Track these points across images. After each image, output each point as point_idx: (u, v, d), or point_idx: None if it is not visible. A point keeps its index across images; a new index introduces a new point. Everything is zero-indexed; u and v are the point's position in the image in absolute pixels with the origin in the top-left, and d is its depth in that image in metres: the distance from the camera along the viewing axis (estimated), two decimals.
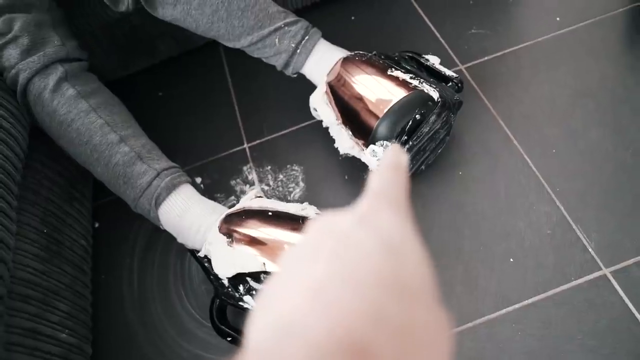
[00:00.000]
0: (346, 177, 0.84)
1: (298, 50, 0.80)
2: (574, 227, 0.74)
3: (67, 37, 0.78)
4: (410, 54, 0.84)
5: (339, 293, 0.19)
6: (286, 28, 0.79)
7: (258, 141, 0.92)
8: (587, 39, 0.93)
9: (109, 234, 0.88)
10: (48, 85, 0.72)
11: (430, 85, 0.76)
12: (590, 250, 0.72)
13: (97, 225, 0.89)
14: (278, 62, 0.81)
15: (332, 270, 0.20)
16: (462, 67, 0.93)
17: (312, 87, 0.83)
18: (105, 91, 0.79)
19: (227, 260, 0.66)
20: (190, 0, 0.76)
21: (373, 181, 0.27)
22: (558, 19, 0.96)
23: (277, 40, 0.79)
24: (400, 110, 0.75)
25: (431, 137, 0.77)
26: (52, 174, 0.80)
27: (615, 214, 0.74)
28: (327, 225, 0.23)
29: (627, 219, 0.73)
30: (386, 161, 0.30)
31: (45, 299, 0.66)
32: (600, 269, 0.70)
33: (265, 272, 0.62)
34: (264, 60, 0.83)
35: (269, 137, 0.92)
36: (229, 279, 0.67)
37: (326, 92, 0.80)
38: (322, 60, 0.81)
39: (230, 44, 0.82)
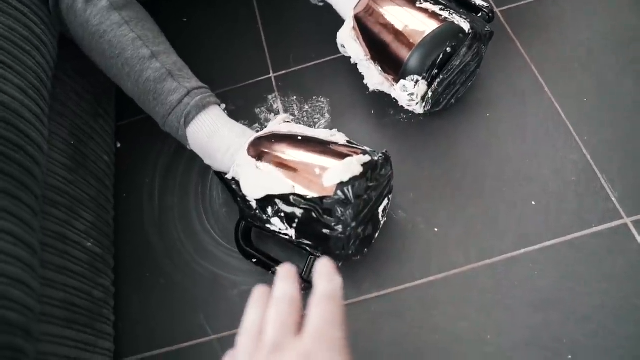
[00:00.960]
0: (372, 112, 0.83)
1: None
2: (599, 175, 0.73)
3: None
4: None
5: None
6: None
7: (284, 71, 0.90)
8: None
9: (131, 154, 0.88)
10: None
11: (460, 17, 0.74)
12: (613, 199, 0.72)
13: (119, 145, 0.89)
14: None
15: None
16: (497, 9, 0.91)
17: (339, 20, 0.81)
18: (137, 5, 0.77)
19: (257, 182, 0.67)
20: None
21: (312, 316, 0.32)
22: None
23: None
24: (431, 43, 0.73)
25: (462, 69, 0.75)
26: (79, 87, 0.79)
27: None
28: None
29: None
30: (320, 290, 0.34)
31: (72, 207, 0.67)
32: (621, 217, 0.70)
33: (295, 195, 0.63)
34: None
35: (295, 68, 0.90)
36: (257, 201, 0.67)
37: (354, 27, 0.78)
38: None
39: None
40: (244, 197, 0.69)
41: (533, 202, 0.72)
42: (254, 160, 0.68)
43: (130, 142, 0.89)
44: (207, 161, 0.75)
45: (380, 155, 0.64)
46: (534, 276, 0.67)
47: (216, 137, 0.72)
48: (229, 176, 0.71)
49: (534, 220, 0.71)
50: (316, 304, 0.33)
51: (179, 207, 0.81)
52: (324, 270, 0.36)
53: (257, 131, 0.74)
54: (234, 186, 0.71)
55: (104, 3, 0.72)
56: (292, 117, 0.84)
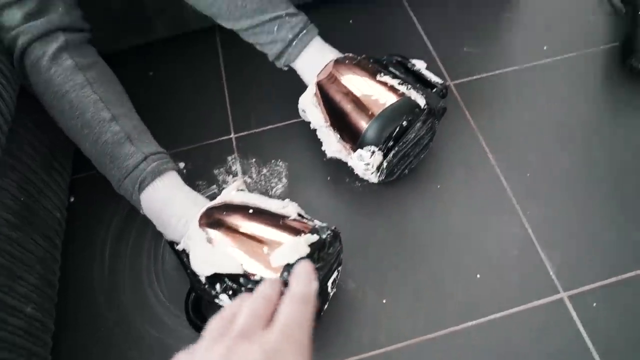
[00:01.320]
0: (329, 178, 0.86)
1: (294, 42, 0.80)
2: (539, 250, 0.77)
3: (73, 6, 0.76)
4: (398, 58, 0.86)
5: None
6: (287, 18, 0.79)
7: (245, 132, 0.92)
8: (569, 71, 0.97)
9: (84, 210, 0.86)
10: (47, 53, 0.71)
11: (417, 92, 0.79)
12: (551, 274, 0.75)
13: (72, 199, 0.87)
14: (272, 51, 0.81)
15: None
16: (451, 82, 0.96)
17: (303, 85, 0.84)
18: (103, 66, 0.78)
19: (206, 258, 0.66)
20: None
21: (282, 313, 0.32)
22: (545, 47, 1.00)
23: (275, 28, 0.79)
24: (388, 116, 0.76)
25: (416, 142, 0.79)
26: (35, 141, 0.78)
27: (578, 242, 0.78)
28: None
29: (589, 247, 0.77)
30: (296, 289, 0.34)
31: (13, 269, 0.65)
32: (558, 292, 0.74)
33: (244, 275, 0.63)
34: (258, 47, 0.82)
35: (256, 130, 0.92)
36: (207, 277, 0.67)
37: (316, 94, 0.81)
38: (315, 57, 0.82)
39: (228, 24, 0.81)
40: (193, 271, 0.69)
41: (478, 275, 0.75)
42: (204, 233, 0.67)
43: (85, 197, 0.88)
44: (159, 228, 0.74)
45: (329, 232, 0.65)
46: (476, 350, 0.69)
47: (169, 205, 0.72)
48: (180, 247, 0.71)
49: (477, 293, 0.74)
50: (288, 302, 0.33)
51: (130, 269, 0.80)
52: (303, 272, 0.36)
53: (213, 195, 0.75)
54: (184, 259, 0.70)
55: (69, 63, 0.72)
56: (249, 180, 0.86)
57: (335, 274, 0.70)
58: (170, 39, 1.03)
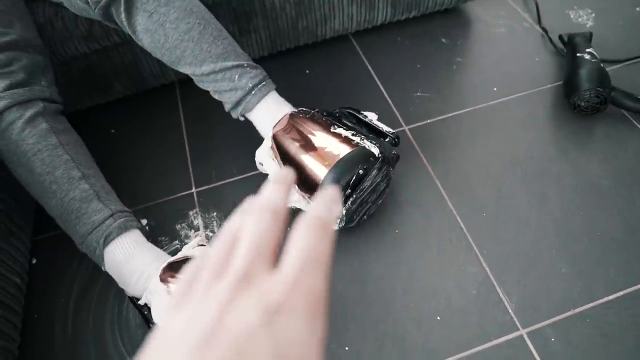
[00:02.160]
0: (289, 229, 0.87)
1: (253, 91, 0.83)
2: (497, 288, 0.79)
3: (51, 82, 0.82)
4: (350, 111, 0.89)
5: None
6: (248, 68, 0.82)
7: (206, 186, 0.94)
8: (518, 111, 1.01)
9: (47, 271, 0.86)
10: (24, 116, 0.75)
11: (370, 142, 0.82)
12: (510, 311, 0.77)
13: (34, 261, 0.87)
14: (230, 99, 0.83)
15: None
16: (405, 127, 1.00)
17: (261, 138, 0.86)
18: (74, 133, 0.82)
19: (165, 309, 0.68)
20: (168, 13, 0.77)
21: (295, 247, 0.24)
22: (495, 89, 1.05)
23: (237, 76, 0.82)
24: (345, 165, 0.79)
25: (373, 189, 0.82)
26: None
27: (534, 278, 0.80)
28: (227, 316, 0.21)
29: (544, 282, 0.79)
30: (314, 212, 0.26)
31: None
32: (518, 329, 0.75)
33: None
34: (216, 95, 0.84)
35: (217, 184, 0.94)
36: None
37: (272, 146, 0.84)
38: (271, 109, 0.85)
39: (189, 69, 0.82)
40: (154, 324, 0.69)
41: (438, 317, 0.77)
42: (165, 287, 0.69)
43: (48, 257, 0.88)
44: (121, 284, 0.75)
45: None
46: None
47: (132, 260, 0.73)
48: (141, 302, 0.71)
49: (439, 335, 0.75)
50: (305, 227, 0.24)
51: (94, 330, 0.79)
52: (328, 195, 0.27)
53: (175, 250, 0.76)
54: (146, 313, 0.71)
55: (44, 126, 0.76)
56: (211, 234, 0.87)
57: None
58: (131, 97, 1.05)
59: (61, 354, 0.77)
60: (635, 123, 0.98)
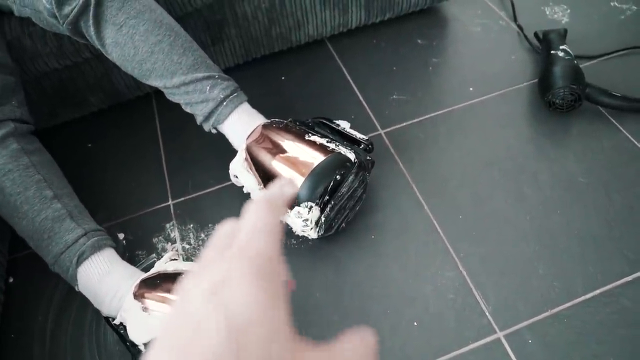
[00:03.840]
0: None
1: (224, 103, 0.82)
2: (474, 291, 0.79)
3: (22, 103, 0.81)
4: (323, 120, 0.89)
5: None
6: (219, 80, 0.82)
7: (182, 198, 0.94)
8: (495, 110, 1.01)
9: (24, 289, 0.86)
10: None
11: (345, 148, 0.81)
12: (487, 314, 0.77)
13: (11, 280, 0.87)
14: (202, 111, 0.82)
15: (164, 350, 0.19)
16: (381, 131, 0.99)
17: (235, 149, 0.86)
18: (46, 153, 0.81)
19: (143, 326, 0.68)
20: (137, 26, 0.76)
21: (245, 217, 0.24)
22: (471, 89, 1.05)
23: (208, 87, 0.81)
24: (321, 172, 0.79)
25: (350, 195, 0.82)
26: None
27: (512, 279, 0.80)
28: (183, 291, 0.22)
29: (522, 284, 0.79)
30: (267, 192, 0.27)
31: None
32: (495, 332, 0.75)
33: None
34: (188, 108, 0.83)
35: (193, 195, 0.94)
36: (145, 345, 0.68)
37: (246, 158, 0.83)
38: (243, 121, 0.84)
39: (160, 82, 0.81)
40: (132, 342, 0.69)
41: (415, 323, 0.77)
42: (140, 303, 0.69)
43: (24, 276, 0.87)
44: (95, 305, 0.75)
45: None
46: None
47: (106, 279, 0.73)
48: (116, 321, 0.71)
49: (417, 341, 0.75)
50: (254, 205, 0.25)
51: (72, 348, 0.79)
52: (281, 181, 0.29)
53: (151, 264, 0.76)
54: (121, 331, 0.71)
55: (15, 146, 0.76)
56: (188, 246, 0.87)
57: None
58: (107, 110, 1.05)
59: None
60: (611, 119, 0.98)
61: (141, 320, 0.68)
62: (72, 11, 0.74)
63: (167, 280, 0.71)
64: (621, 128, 0.96)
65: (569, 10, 1.20)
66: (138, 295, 0.70)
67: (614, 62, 1.08)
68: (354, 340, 0.23)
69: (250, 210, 0.25)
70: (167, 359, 0.19)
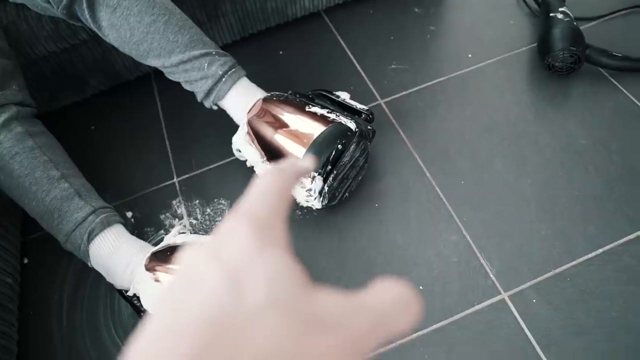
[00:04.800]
0: None
1: (224, 79, 0.82)
2: (478, 254, 0.81)
3: (22, 86, 0.82)
4: (322, 92, 0.89)
5: (167, 339, 0.17)
6: (216, 56, 0.82)
7: (187, 175, 0.95)
8: (494, 76, 1.01)
9: (38, 269, 0.88)
10: None
11: (346, 118, 0.82)
12: (491, 276, 0.79)
13: (26, 261, 0.89)
14: (202, 88, 0.83)
15: (166, 313, 0.19)
16: (381, 101, 1.00)
17: (237, 124, 0.87)
18: (50, 135, 0.82)
19: (155, 295, 0.69)
20: (131, 7, 0.76)
21: (245, 199, 0.23)
22: (470, 55, 1.04)
23: (206, 64, 0.81)
24: (323, 142, 0.80)
25: (352, 165, 0.83)
26: None
27: (514, 241, 0.81)
28: (184, 259, 0.21)
29: (524, 245, 0.81)
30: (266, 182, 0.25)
31: None
32: (499, 293, 0.77)
33: None
34: (187, 85, 0.84)
35: (197, 172, 0.95)
36: None
37: (248, 132, 0.84)
38: (242, 95, 0.85)
39: (158, 61, 0.81)
40: (146, 311, 0.71)
41: (420, 287, 0.78)
42: (151, 274, 0.71)
43: (39, 257, 0.89)
44: (108, 279, 0.77)
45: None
46: (425, 359, 0.72)
47: (117, 254, 0.75)
48: (130, 293, 0.73)
49: (422, 305, 0.77)
50: (263, 175, 0.25)
51: (88, 322, 0.81)
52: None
53: (160, 241, 0.78)
54: (135, 302, 0.73)
55: (19, 129, 0.77)
56: (194, 221, 0.88)
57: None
58: (108, 92, 1.05)
59: (59, 348, 0.80)
60: (612, 80, 0.97)
61: (154, 290, 0.70)
62: None
63: (176, 252, 0.73)
64: (622, 88, 0.96)
65: None
66: (149, 268, 0.72)
67: (615, 23, 1.07)
68: (390, 291, 0.21)
69: (261, 177, 0.25)
70: (167, 312, 0.18)
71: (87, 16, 0.77)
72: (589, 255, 0.79)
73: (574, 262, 0.78)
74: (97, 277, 0.84)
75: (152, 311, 0.19)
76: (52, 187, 0.76)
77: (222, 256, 0.20)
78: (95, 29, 0.79)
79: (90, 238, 0.76)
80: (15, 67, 0.83)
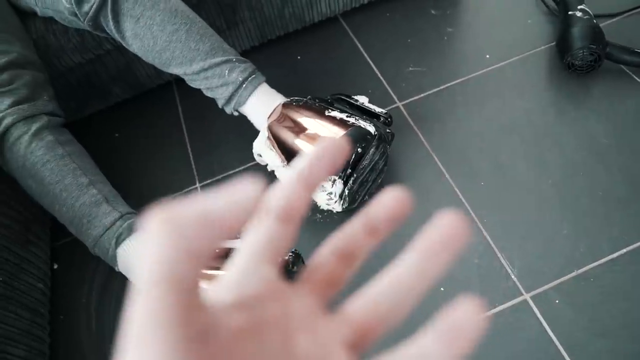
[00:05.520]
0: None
1: (244, 85, 0.84)
2: (499, 255, 0.80)
3: (52, 97, 0.85)
4: (341, 96, 0.90)
5: None
6: (236, 63, 0.84)
7: (209, 180, 0.97)
8: (513, 76, 1.01)
9: (68, 275, 0.91)
10: (30, 130, 0.78)
11: (365, 121, 0.83)
12: (513, 277, 0.78)
13: (55, 266, 0.92)
14: (223, 95, 0.85)
15: None
16: (399, 104, 1.00)
17: (258, 129, 0.89)
18: (77, 143, 0.85)
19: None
20: (154, 16, 0.79)
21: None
22: (488, 56, 1.04)
23: (227, 71, 0.83)
24: None
25: (372, 168, 0.83)
26: (4, 219, 0.83)
27: (536, 242, 0.81)
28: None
29: (546, 246, 0.80)
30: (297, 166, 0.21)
31: None
32: (521, 294, 0.77)
33: None
34: (209, 92, 0.86)
35: (219, 177, 0.97)
36: None
37: (268, 137, 0.86)
38: (263, 101, 0.86)
39: (180, 69, 0.83)
40: None
41: (442, 289, 0.79)
42: None
43: (68, 262, 0.92)
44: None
45: (290, 254, 0.70)
46: None
47: None
48: None
49: (443, 306, 0.77)
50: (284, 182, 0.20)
51: (116, 325, 0.84)
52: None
53: None
54: None
55: (50, 138, 0.80)
56: None
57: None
58: (131, 100, 1.08)
59: (88, 350, 0.82)
60: (635, 77, 0.96)
61: None
62: (91, 8, 0.78)
63: None
64: None
65: None
66: None
67: (636, 19, 1.05)
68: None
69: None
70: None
71: (112, 27, 0.80)
72: (613, 256, 0.78)
73: (597, 263, 0.78)
74: (124, 281, 0.86)
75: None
76: (81, 194, 0.79)
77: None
78: (119, 39, 0.82)
79: (117, 243, 0.78)
80: (45, 79, 0.86)
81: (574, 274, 0.77)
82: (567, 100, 0.96)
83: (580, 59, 0.93)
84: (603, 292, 0.75)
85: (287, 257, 0.69)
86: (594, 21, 0.96)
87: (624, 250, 0.78)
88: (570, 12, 0.98)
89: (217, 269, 0.71)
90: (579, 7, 0.99)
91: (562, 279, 0.77)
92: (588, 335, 0.72)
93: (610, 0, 1.07)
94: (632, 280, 0.75)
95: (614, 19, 1.05)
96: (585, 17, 0.96)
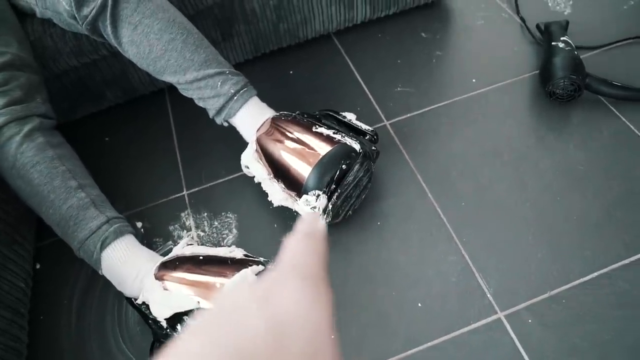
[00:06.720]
0: (276, 226, 0.91)
1: (235, 97, 0.86)
2: (476, 274, 0.83)
3: (45, 99, 0.86)
4: (329, 112, 0.93)
5: None
6: (229, 75, 0.86)
7: (196, 188, 0.98)
8: (497, 101, 1.04)
9: (50, 275, 0.91)
10: (22, 131, 0.79)
11: (351, 139, 0.85)
12: (488, 296, 0.81)
13: (38, 266, 0.92)
14: (214, 105, 0.87)
15: (209, 345, 0.19)
16: (386, 122, 1.03)
17: (246, 141, 0.90)
18: (68, 146, 0.86)
19: (164, 302, 0.73)
20: (152, 25, 0.81)
21: (287, 249, 0.26)
22: (474, 80, 1.08)
23: (219, 83, 0.85)
24: (328, 162, 0.83)
25: (356, 184, 0.85)
26: None
27: (512, 263, 0.83)
28: (228, 294, 0.23)
29: (522, 267, 0.83)
30: (303, 229, 0.29)
31: None
32: (496, 312, 0.79)
33: (200, 309, 0.69)
34: (200, 102, 0.88)
35: (206, 185, 0.98)
36: (167, 320, 0.73)
37: (256, 149, 0.87)
38: (253, 114, 0.88)
39: (173, 78, 0.85)
40: (154, 319, 0.74)
41: (419, 304, 0.81)
42: (160, 283, 0.73)
43: (51, 262, 0.93)
44: (119, 287, 0.80)
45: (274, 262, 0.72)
46: None
47: (128, 263, 0.78)
48: (139, 301, 0.76)
49: (420, 321, 0.79)
50: (296, 240, 0.28)
51: (96, 328, 0.84)
52: (310, 216, 0.30)
53: (168, 251, 0.81)
54: (144, 310, 0.76)
55: (41, 140, 0.80)
56: (202, 233, 0.91)
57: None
58: (123, 105, 1.09)
59: (67, 352, 0.82)
60: (611, 108, 1.00)
61: (163, 297, 0.73)
62: (90, 12, 0.79)
63: (184, 262, 0.76)
64: (621, 116, 0.99)
65: (571, 2, 1.22)
66: (158, 277, 0.75)
67: (615, 52, 1.10)
68: None
69: (302, 224, 0.28)
70: (203, 340, 0.19)
71: (110, 32, 0.81)
72: (585, 279, 0.81)
73: (569, 285, 0.80)
74: (107, 285, 0.86)
75: (188, 333, 0.20)
76: (69, 196, 0.79)
77: (269, 306, 0.21)
78: (115, 45, 0.84)
79: (103, 246, 0.79)
80: (40, 81, 0.87)
81: (546, 295, 0.80)
82: (547, 127, 1.00)
83: (562, 88, 0.97)
84: (573, 313, 0.77)
85: (270, 267, 0.71)
86: (576, 52, 1.00)
87: (595, 274, 0.81)
88: (553, 43, 1.03)
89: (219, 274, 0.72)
90: (561, 38, 1.03)
91: (535, 300, 0.79)
92: (558, 355, 0.74)
93: (592, 34, 1.12)
94: (602, 303, 0.78)
95: (594, 52, 1.10)
96: (567, 49, 1.00)
